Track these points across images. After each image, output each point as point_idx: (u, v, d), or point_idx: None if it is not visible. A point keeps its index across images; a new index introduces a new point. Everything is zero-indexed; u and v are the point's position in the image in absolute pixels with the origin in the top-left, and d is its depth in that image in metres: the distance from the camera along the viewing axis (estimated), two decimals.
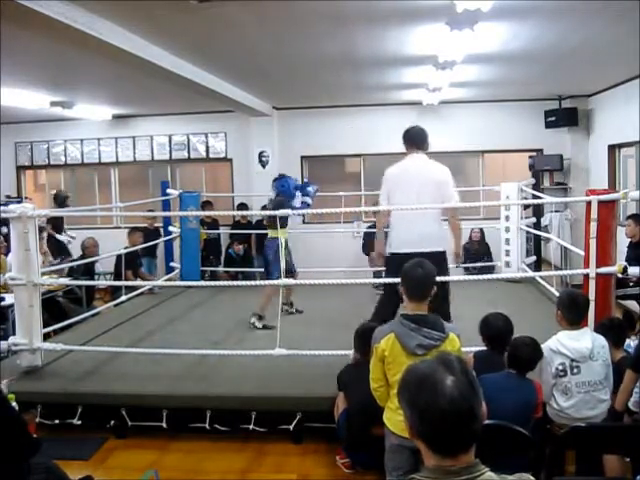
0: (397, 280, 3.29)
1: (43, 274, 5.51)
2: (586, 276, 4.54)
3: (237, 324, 6.33)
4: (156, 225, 9.38)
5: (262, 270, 8.32)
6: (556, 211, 9.28)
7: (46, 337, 5.30)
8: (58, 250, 8.62)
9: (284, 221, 6.14)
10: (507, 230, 7.77)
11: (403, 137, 4.88)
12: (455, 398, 1.36)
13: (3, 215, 4.96)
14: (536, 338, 3.57)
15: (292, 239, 8.25)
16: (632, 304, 6.76)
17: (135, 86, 7.71)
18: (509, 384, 3.23)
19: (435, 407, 1.37)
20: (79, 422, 4.48)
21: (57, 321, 5.87)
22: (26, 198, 10.32)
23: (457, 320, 4.40)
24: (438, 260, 4.19)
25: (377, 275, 6.67)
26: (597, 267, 4.46)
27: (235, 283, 6.09)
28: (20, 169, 11.53)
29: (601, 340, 3.47)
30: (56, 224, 8.93)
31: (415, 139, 4.83)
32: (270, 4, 4.35)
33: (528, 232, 8.28)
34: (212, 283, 7.49)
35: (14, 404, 3.33)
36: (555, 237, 7.96)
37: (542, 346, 3.50)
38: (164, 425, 4.38)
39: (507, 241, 7.78)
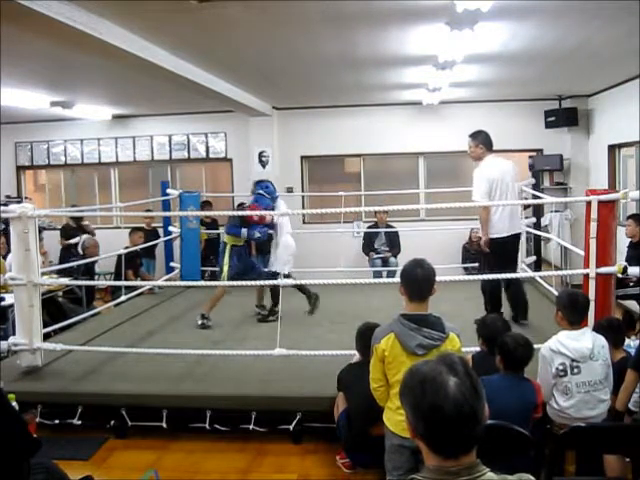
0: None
1: (43, 274, 5.52)
2: (586, 276, 4.54)
3: (237, 324, 6.33)
4: (154, 225, 9.38)
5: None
6: (556, 211, 9.28)
7: (46, 337, 5.30)
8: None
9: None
10: None
11: (478, 138, 5.69)
12: (458, 400, 1.36)
13: (3, 215, 4.96)
14: (536, 338, 3.58)
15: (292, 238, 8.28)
16: (632, 304, 6.76)
17: (135, 86, 7.71)
18: (508, 385, 3.22)
19: (438, 409, 1.36)
20: (79, 422, 4.48)
21: (57, 321, 5.88)
22: (26, 198, 10.34)
23: (457, 320, 4.39)
24: (519, 239, 5.77)
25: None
26: (597, 267, 4.46)
27: (235, 283, 6.08)
28: (20, 169, 11.52)
29: (601, 340, 3.47)
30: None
31: (490, 141, 5.63)
32: (270, 4, 4.35)
33: (528, 232, 8.28)
34: (212, 283, 7.49)
35: (14, 404, 3.33)
36: (555, 237, 7.95)
37: (542, 346, 3.50)
38: (164, 425, 4.38)
39: None
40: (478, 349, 3.86)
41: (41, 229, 9.21)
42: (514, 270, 5.70)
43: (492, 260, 5.62)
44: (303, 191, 10.51)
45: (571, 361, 3.36)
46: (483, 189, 5.48)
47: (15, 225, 4.85)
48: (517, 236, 5.74)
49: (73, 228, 9.38)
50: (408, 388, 1.44)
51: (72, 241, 9.04)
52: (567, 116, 9.40)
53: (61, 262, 8.54)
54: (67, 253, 9.00)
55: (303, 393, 4.42)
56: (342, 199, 8.64)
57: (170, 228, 8.37)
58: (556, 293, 5.34)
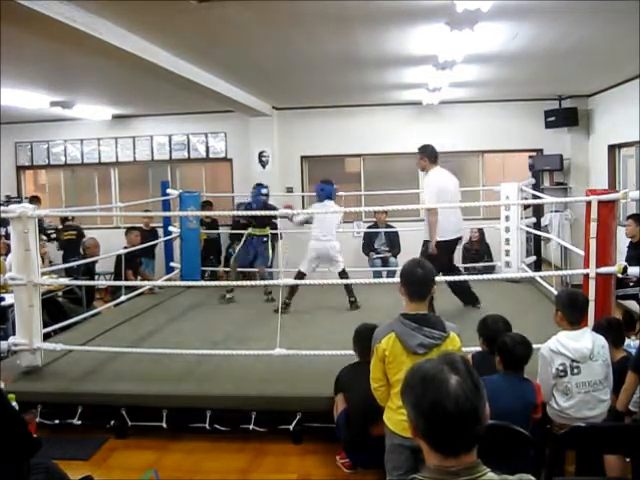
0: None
1: (43, 274, 5.51)
2: (586, 276, 4.54)
3: (237, 324, 6.33)
4: (152, 225, 9.37)
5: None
6: (556, 211, 9.28)
7: (46, 337, 5.29)
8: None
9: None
10: (507, 230, 7.76)
11: (424, 152, 6.15)
12: (460, 398, 1.36)
13: (3, 215, 4.96)
14: (536, 338, 3.58)
15: (292, 239, 8.30)
16: (632, 304, 6.76)
17: (135, 86, 7.71)
18: (508, 385, 3.22)
19: (439, 407, 1.37)
20: (79, 422, 4.48)
21: (57, 321, 5.88)
22: (26, 198, 10.34)
23: (457, 320, 4.40)
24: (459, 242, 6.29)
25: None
26: (597, 267, 4.46)
27: (235, 283, 6.10)
28: (20, 169, 11.52)
29: (601, 340, 3.47)
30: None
31: (434, 155, 6.13)
32: (270, 4, 4.35)
33: (528, 232, 8.28)
34: (212, 283, 7.50)
35: (14, 404, 3.33)
36: (555, 237, 7.95)
37: (542, 346, 3.50)
38: (164, 425, 4.38)
39: (507, 241, 7.77)
40: (478, 349, 3.86)
41: (46, 229, 9.25)
42: (454, 266, 6.43)
43: (440, 259, 5.77)
44: (303, 191, 10.50)
45: (571, 361, 3.36)
46: (434, 195, 5.93)
47: (15, 225, 4.85)
48: (459, 239, 6.30)
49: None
50: (409, 386, 1.45)
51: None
52: (567, 116, 9.40)
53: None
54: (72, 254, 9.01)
55: (303, 393, 4.42)
56: (342, 199, 8.64)
57: (170, 228, 8.37)
58: (556, 293, 5.35)
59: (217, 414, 4.39)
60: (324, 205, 6.69)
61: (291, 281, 5.83)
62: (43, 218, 9.11)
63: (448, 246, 6.01)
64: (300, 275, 6.70)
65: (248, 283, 6.11)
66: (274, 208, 7.32)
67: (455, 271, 6.30)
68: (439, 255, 5.77)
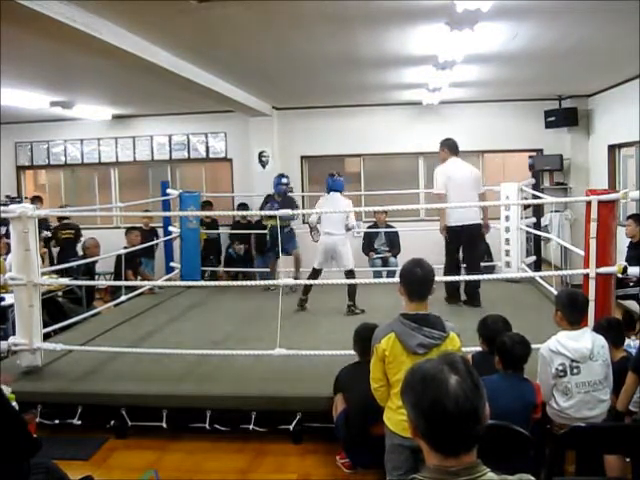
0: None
1: (43, 274, 5.51)
2: (586, 276, 4.54)
3: (237, 324, 6.33)
4: (152, 225, 9.37)
5: (262, 270, 8.43)
6: (556, 211, 9.28)
7: (46, 337, 5.30)
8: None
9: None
10: (507, 230, 7.77)
11: (444, 144, 6.69)
12: (460, 398, 1.37)
13: (3, 215, 4.96)
14: (536, 338, 3.58)
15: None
16: (632, 304, 6.76)
17: (135, 86, 7.71)
18: (508, 385, 3.22)
19: (439, 407, 1.37)
20: (79, 422, 4.48)
21: (57, 321, 5.88)
22: (26, 198, 10.34)
23: (457, 320, 4.39)
24: (478, 228, 6.56)
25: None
26: (597, 267, 4.46)
27: (235, 283, 6.10)
28: (20, 169, 11.51)
29: (601, 340, 3.47)
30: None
31: (454, 147, 6.64)
32: (270, 4, 4.35)
33: (528, 232, 8.28)
34: (212, 283, 7.50)
35: (14, 404, 3.33)
36: (555, 237, 7.95)
37: (542, 346, 3.50)
38: (164, 425, 4.39)
39: (507, 241, 7.78)
40: (478, 349, 3.86)
41: (48, 227, 9.23)
42: (476, 256, 6.71)
43: (449, 246, 6.52)
44: (303, 191, 10.50)
45: (571, 361, 3.36)
46: (440, 183, 6.49)
47: (15, 225, 4.85)
48: (475, 226, 6.48)
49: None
50: (409, 386, 1.45)
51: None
52: (567, 116, 9.40)
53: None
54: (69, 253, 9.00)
55: (303, 393, 4.42)
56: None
57: (170, 228, 8.37)
58: (556, 293, 5.35)
59: (217, 414, 4.39)
60: (330, 198, 6.71)
61: (291, 281, 5.84)
62: (47, 218, 9.13)
63: (454, 232, 6.39)
64: (314, 272, 6.73)
65: (249, 283, 6.10)
66: (293, 200, 7.93)
67: (474, 267, 6.58)
68: (449, 240, 6.40)
